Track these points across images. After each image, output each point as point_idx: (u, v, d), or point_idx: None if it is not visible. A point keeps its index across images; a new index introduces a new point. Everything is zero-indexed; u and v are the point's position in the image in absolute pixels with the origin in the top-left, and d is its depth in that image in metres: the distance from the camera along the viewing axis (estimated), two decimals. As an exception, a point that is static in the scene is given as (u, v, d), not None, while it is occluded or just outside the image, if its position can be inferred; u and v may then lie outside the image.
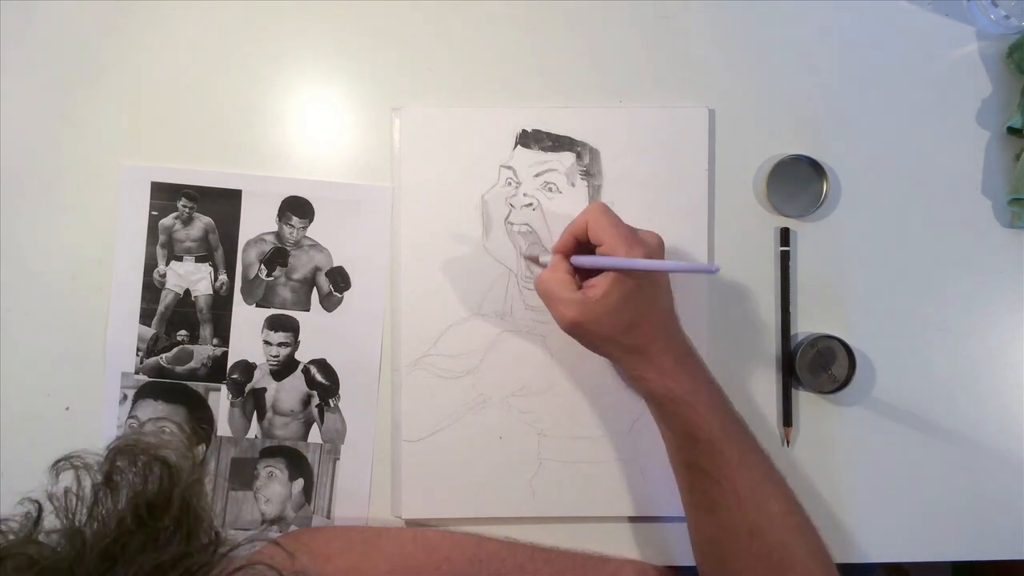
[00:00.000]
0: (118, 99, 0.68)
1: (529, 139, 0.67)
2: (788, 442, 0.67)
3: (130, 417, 0.67)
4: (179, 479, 0.41)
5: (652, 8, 0.68)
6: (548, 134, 0.67)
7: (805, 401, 0.68)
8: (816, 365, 0.66)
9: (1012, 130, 0.67)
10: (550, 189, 0.67)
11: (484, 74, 0.68)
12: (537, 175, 0.67)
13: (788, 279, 0.67)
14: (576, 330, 0.58)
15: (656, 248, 0.58)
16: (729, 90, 0.69)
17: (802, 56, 0.69)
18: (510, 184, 0.67)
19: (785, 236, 0.68)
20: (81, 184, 0.68)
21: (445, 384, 0.67)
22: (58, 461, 0.43)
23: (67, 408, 0.67)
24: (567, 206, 0.67)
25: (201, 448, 0.67)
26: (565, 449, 0.67)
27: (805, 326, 0.68)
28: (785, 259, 0.67)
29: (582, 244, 0.59)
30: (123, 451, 0.42)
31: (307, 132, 0.68)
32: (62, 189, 0.68)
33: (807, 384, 0.66)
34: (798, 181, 0.67)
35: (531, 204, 0.67)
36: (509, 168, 0.67)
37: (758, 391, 0.68)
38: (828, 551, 0.57)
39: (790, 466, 0.67)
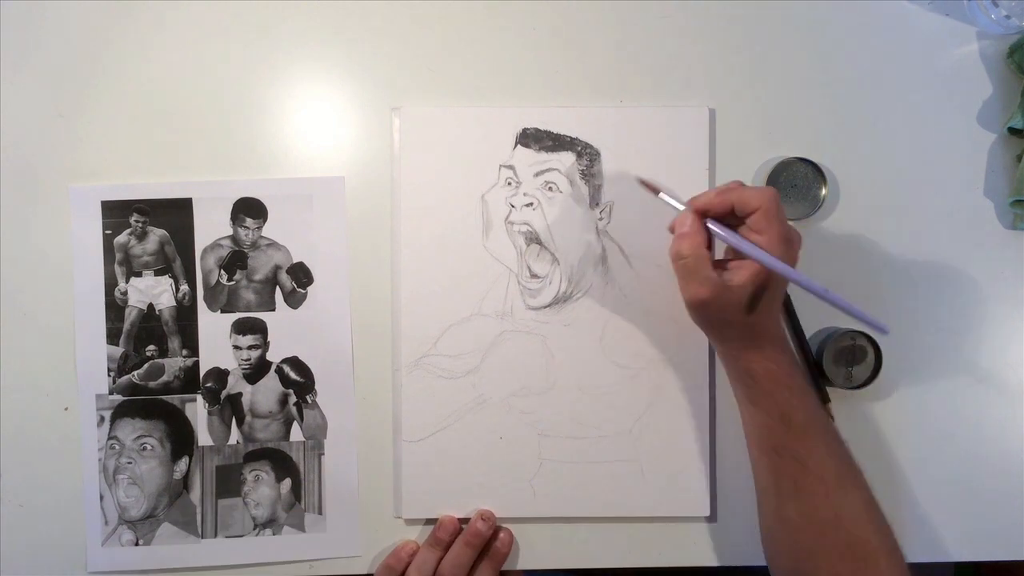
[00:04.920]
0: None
1: (529, 139, 0.67)
2: (832, 418, 0.67)
3: (110, 438, 0.67)
4: None
5: (652, 8, 0.68)
6: (548, 133, 0.67)
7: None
8: (841, 359, 0.66)
9: (1013, 131, 0.67)
10: (550, 189, 0.67)
11: (484, 74, 0.68)
12: (537, 175, 0.67)
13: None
14: (702, 310, 0.57)
15: (798, 248, 0.57)
16: (729, 90, 0.68)
17: (802, 56, 0.69)
18: (510, 184, 0.67)
19: None
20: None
21: (445, 384, 0.67)
22: None
23: (66, 408, 0.67)
24: (567, 206, 0.67)
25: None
26: (565, 449, 0.67)
27: (808, 326, 0.68)
28: None
29: (727, 215, 0.57)
30: None
31: (307, 132, 0.68)
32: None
33: (831, 373, 0.66)
34: (797, 184, 0.67)
35: (531, 204, 0.67)
36: (509, 168, 0.67)
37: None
38: (902, 551, 0.56)
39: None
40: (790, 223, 0.57)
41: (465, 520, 0.67)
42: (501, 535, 0.67)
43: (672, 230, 0.59)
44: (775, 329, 0.59)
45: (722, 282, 0.55)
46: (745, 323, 0.57)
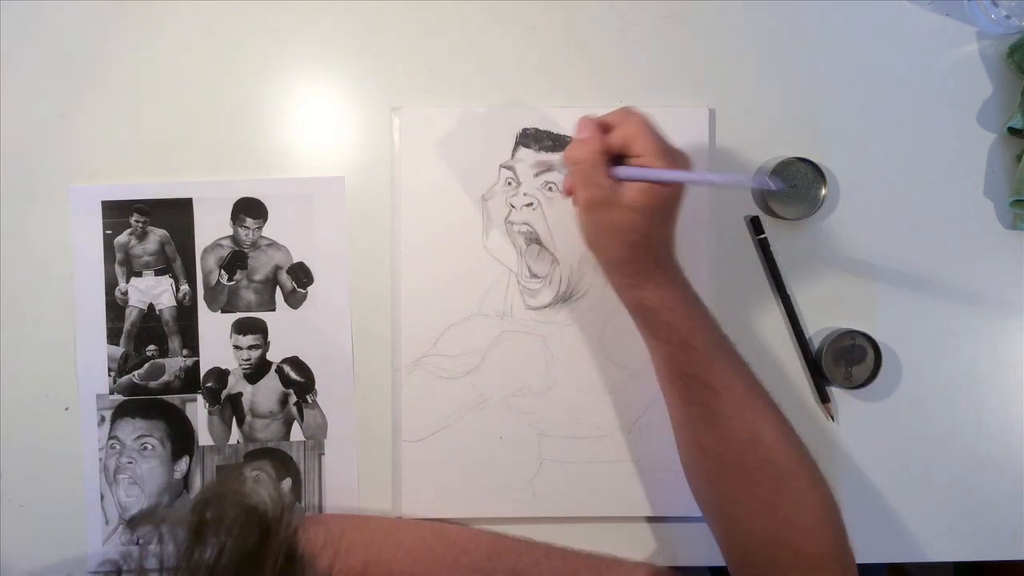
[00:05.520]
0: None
1: (529, 139, 0.67)
2: (832, 417, 0.68)
3: (111, 438, 0.67)
4: (277, 530, 0.39)
5: (653, 8, 0.68)
6: (548, 133, 0.67)
7: (805, 401, 0.68)
8: (840, 359, 0.66)
9: (1013, 131, 0.67)
10: (550, 189, 0.67)
11: (484, 74, 0.68)
12: (537, 175, 0.67)
13: (775, 266, 0.68)
14: (594, 213, 0.57)
15: (689, 163, 0.57)
16: (729, 90, 0.68)
17: (802, 56, 0.69)
18: (510, 184, 0.67)
19: (758, 225, 0.68)
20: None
21: (445, 384, 0.67)
22: (134, 519, 0.40)
23: (66, 408, 0.67)
24: (568, 206, 0.67)
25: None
26: (565, 449, 0.67)
27: (809, 325, 0.68)
28: (765, 247, 0.68)
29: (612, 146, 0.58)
30: (210, 503, 0.39)
31: (307, 132, 0.68)
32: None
33: (830, 373, 0.66)
34: (797, 184, 0.67)
35: (531, 204, 0.67)
36: (509, 168, 0.67)
37: (768, 383, 0.68)
38: (817, 465, 0.57)
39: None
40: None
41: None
42: None
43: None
44: (668, 257, 0.59)
45: (615, 192, 0.55)
46: (637, 241, 0.56)
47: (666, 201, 0.56)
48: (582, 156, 0.57)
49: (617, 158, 0.57)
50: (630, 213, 0.56)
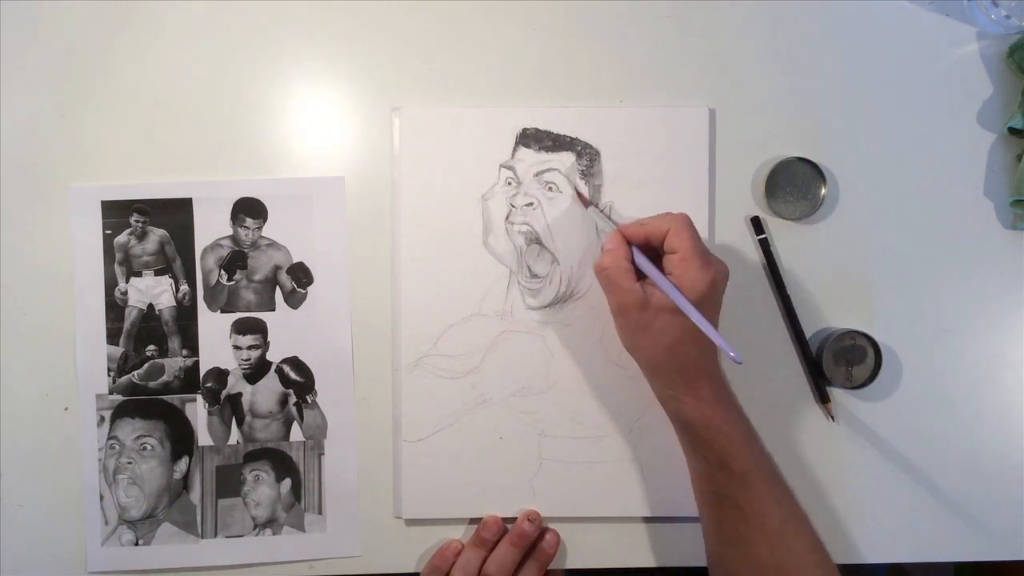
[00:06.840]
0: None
1: (529, 139, 0.67)
2: (832, 417, 0.68)
3: (110, 438, 0.67)
4: None
5: (652, 8, 0.68)
6: (548, 133, 0.67)
7: (805, 401, 0.68)
8: (840, 359, 0.66)
9: (1013, 131, 0.67)
10: (550, 189, 0.67)
11: (484, 74, 0.68)
12: (537, 175, 0.67)
13: (775, 266, 0.67)
14: (626, 319, 0.58)
15: (723, 277, 0.58)
16: (729, 90, 0.68)
17: (802, 56, 0.69)
18: (510, 184, 0.67)
19: (758, 225, 0.68)
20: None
21: (445, 384, 0.67)
22: None
23: (66, 408, 0.67)
24: (567, 206, 0.67)
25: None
26: (565, 449, 0.67)
27: (809, 325, 0.68)
28: (765, 247, 0.67)
29: (649, 245, 0.60)
30: None
31: (307, 132, 0.68)
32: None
33: (830, 373, 0.66)
34: (797, 184, 0.67)
35: (531, 204, 0.67)
36: (509, 168, 0.67)
37: (768, 383, 0.68)
38: None
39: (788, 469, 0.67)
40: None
41: (510, 520, 0.67)
42: (548, 536, 0.67)
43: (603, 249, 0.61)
44: (708, 366, 0.58)
45: (645, 294, 0.57)
46: (671, 350, 0.57)
47: (700, 300, 0.56)
48: (607, 263, 0.59)
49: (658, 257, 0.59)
50: (663, 314, 0.56)
